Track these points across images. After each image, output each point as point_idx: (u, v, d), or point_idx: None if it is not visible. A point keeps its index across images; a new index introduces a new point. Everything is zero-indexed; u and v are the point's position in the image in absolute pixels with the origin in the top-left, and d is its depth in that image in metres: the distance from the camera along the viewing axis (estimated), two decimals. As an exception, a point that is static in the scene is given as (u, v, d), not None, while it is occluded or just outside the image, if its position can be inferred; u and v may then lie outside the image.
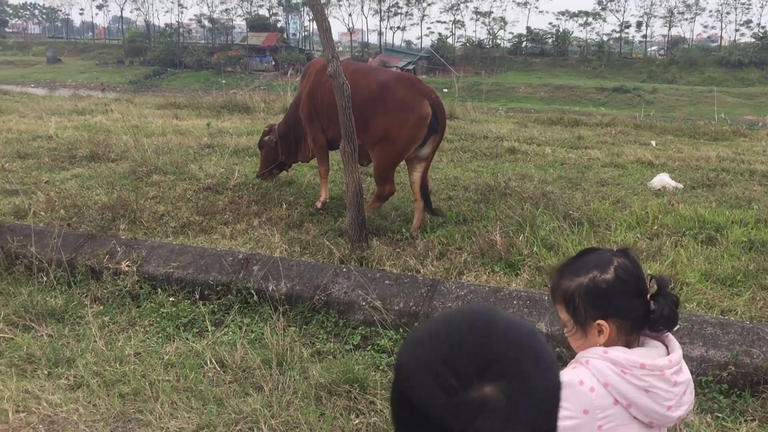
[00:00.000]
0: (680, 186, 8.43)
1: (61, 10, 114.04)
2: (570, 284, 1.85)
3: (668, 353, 1.83)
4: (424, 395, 0.95)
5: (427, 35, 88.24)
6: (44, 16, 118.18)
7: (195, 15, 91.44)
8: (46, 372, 3.90)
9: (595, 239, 6.02)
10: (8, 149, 9.34)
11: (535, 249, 5.74)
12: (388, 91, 6.32)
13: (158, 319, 4.61)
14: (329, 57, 5.64)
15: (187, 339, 4.31)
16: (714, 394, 3.73)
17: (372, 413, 3.54)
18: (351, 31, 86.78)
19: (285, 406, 3.59)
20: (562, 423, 1.70)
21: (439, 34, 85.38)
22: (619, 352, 1.79)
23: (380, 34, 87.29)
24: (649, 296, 1.83)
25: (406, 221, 6.58)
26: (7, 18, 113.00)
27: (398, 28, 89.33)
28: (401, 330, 4.42)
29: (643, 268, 1.85)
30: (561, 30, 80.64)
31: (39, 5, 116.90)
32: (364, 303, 4.54)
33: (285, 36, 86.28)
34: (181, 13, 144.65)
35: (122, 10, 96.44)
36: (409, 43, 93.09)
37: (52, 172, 8.17)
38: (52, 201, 6.46)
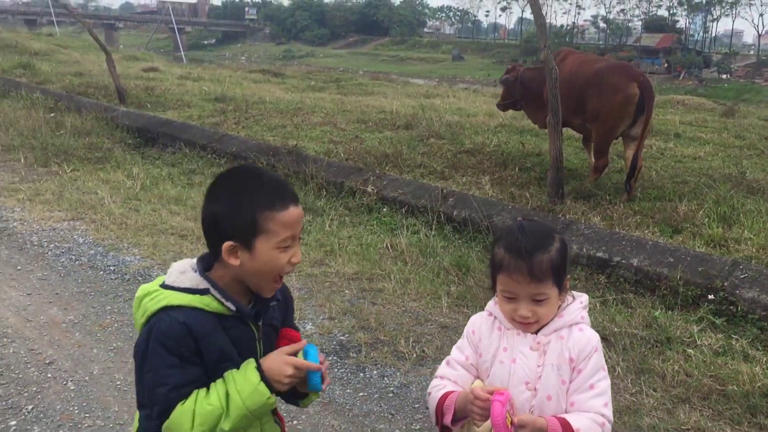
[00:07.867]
0: None
1: (470, 12, 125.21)
2: (546, 256, 1.86)
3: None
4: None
5: None
6: (457, 18, 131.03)
7: (591, 16, 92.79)
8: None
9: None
10: (352, 116, 12.36)
11: (705, 220, 6.46)
12: (601, 77, 7.45)
13: (375, 223, 6.71)
14: (542, 46, 7.08)
15: (381, 234, 6.33)
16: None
17: (463, 282, 5.21)
18: (759, 33, 79.22)
19: (415, 272, 5.42)
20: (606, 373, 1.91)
21: None
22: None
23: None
24: None
25: (618, 192, 7.57)
26: (426, 19, 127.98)
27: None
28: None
29: None
30: None
31: (453, 8, 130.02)
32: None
33: (683, 37, 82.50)
34: (578, 14, 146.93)
35: (522, 11, 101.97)
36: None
37: (370, 132, 10.82)
38: (351, 148, 9.03)
